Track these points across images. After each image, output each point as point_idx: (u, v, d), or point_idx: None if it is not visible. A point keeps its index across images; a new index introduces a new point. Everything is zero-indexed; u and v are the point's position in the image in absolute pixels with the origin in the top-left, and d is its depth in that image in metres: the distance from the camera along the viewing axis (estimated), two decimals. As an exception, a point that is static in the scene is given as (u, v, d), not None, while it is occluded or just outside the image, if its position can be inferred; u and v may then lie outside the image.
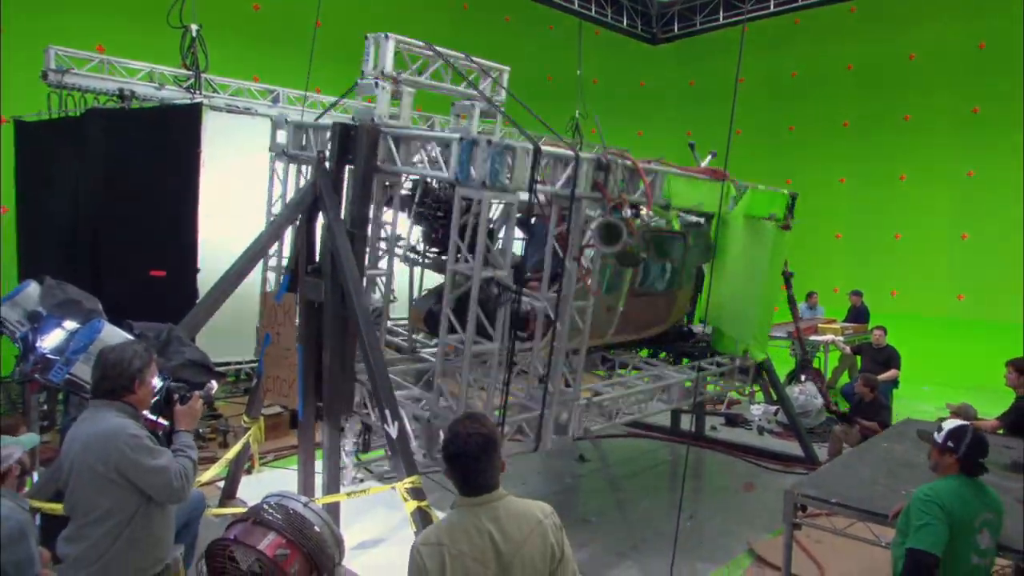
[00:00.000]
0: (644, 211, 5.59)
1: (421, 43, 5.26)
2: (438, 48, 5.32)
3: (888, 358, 9.34)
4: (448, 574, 2.26)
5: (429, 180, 5.50)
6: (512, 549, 2.32)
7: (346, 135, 4.97)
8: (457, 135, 4.45)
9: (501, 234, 5.03)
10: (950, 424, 3.44)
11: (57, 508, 3.29)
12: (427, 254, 5.86)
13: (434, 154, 4.71)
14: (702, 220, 7.49)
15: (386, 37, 5.01)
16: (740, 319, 7.04)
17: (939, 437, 3.38)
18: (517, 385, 5.33)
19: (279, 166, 6.16)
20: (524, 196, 4.46)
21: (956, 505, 3.14)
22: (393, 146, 4.90)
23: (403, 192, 5.55)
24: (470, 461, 2.36)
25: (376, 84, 5.01)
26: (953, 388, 10.69)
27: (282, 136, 6.08)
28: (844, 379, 10.70)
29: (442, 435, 3.58)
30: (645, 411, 6.35)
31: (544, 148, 4.57)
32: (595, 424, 5.72)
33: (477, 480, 2.39)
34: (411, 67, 5.38)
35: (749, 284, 6.86)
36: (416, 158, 4.87)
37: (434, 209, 5.39)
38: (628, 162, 5.26)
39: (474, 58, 5.61)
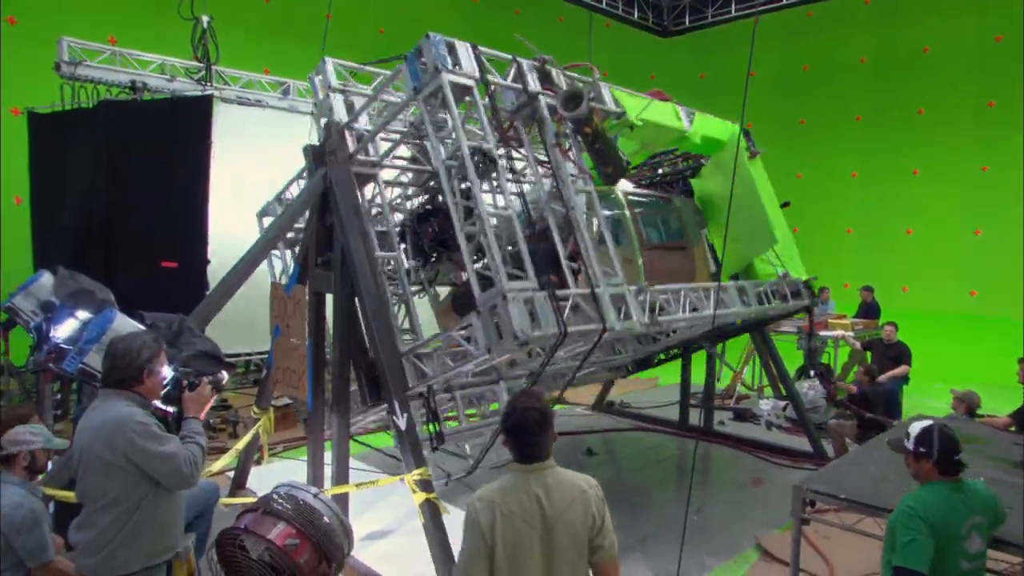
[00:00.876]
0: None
1: (355, 64, 5.80)
2: (367, 65, 5.77)
3: (899, 354, 9.27)
4: (498, 528, 2.51)
5: (411, 194, 5.80)
6: (556, 514, 2.55)
7: (319, 151, 5.23)
8: (402, 61, 4.73)
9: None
10: (916, 428, 3.27)
11: (70, 495, 3.33)
12: (429, 265, 5.89)
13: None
14: (691, 199, 7.52)
15: (324, 61, 5.56)
16: (757, 236, 6.90)
17: (910, 444, 3.24)
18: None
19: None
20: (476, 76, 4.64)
21: (941, 515, 3.02)
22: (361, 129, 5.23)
23: (396, 229, 5.73)
24: (527, 434, 2.61)
25: (328, 97, 5.43)
26: (964, 385, 10.58)
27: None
28: (853, 375, 10.64)
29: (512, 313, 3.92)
30: (702, 311, 5.75)
31: (482, 48, 4.81)
32: (663, 315, 5.21)
33: (532, 451, 2.63)
34: (373, 81, 5.84)
35: (750, 206, 6.80)
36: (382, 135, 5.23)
37: (423, 211, 5.59)
38: (568, 68, 5.36)
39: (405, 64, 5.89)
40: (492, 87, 4.74)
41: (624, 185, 6.87)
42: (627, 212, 6.32)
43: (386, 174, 5.82)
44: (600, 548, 2.63)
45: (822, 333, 10.56)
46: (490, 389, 5.76)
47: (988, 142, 14.06)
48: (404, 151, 5.78)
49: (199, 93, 8.78)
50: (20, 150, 8.44)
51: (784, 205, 7.52)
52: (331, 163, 5.09)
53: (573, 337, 4.37)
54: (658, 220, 7.01)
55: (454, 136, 4.55)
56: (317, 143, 5.38)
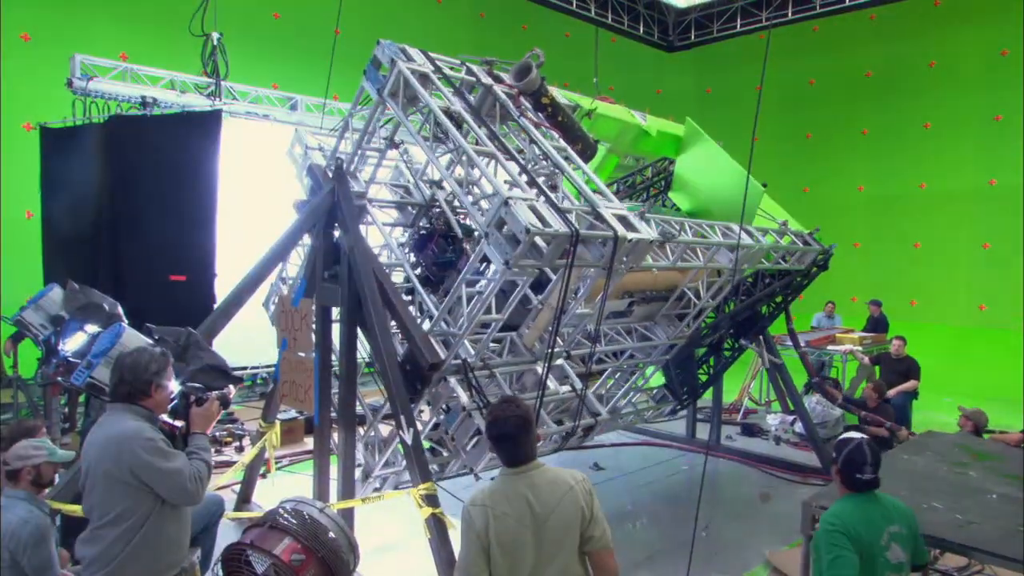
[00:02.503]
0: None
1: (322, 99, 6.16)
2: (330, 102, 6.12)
3: (907, 369, 9.21)
4: (492, 530, 2.65)
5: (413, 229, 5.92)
6: (546, 511, 2.70)
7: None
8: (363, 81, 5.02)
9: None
10: (843, 435, 3.26)
11: (77, 509, 3.33)
12: (440, 290, 5.91)
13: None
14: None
15: (296, 130, 6.04)
16: (748, 197, 6.78)
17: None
18: None
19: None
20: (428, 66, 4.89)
21: (860, 526, 3.01)
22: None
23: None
24: (511, 440, 2.77)
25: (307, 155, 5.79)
26: (975, 399, 10.48)
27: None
28: (862, 390, 10.56)
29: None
30: (714, 240, 5.68)
31: (433, 54, 5.11)
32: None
33: (517, 455, 2.79)
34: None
35: (730, 174, 6.83)
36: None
37: (420, 237, 5.70)
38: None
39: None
40: (447, 73, 5.01)
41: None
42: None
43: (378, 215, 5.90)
44: (592, 538, 2.76)
45: (830, 348, 10.51)
46: (530, 369, 5.42)
47: (995, 156, 14.03)
48: (389, 195, 6.00)
49: (208, 108, 8.86)
50: (32, 165, 8.53)
51: (763, 186, 7.51)
52: (338, 178, 5.12)
53: (586, 240, 4.17)
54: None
55: (424, 105, 4.76)
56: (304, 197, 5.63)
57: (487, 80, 5.15)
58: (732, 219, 6.30)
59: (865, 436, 3.24)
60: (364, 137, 5.40)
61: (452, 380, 4.79)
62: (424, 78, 4.83)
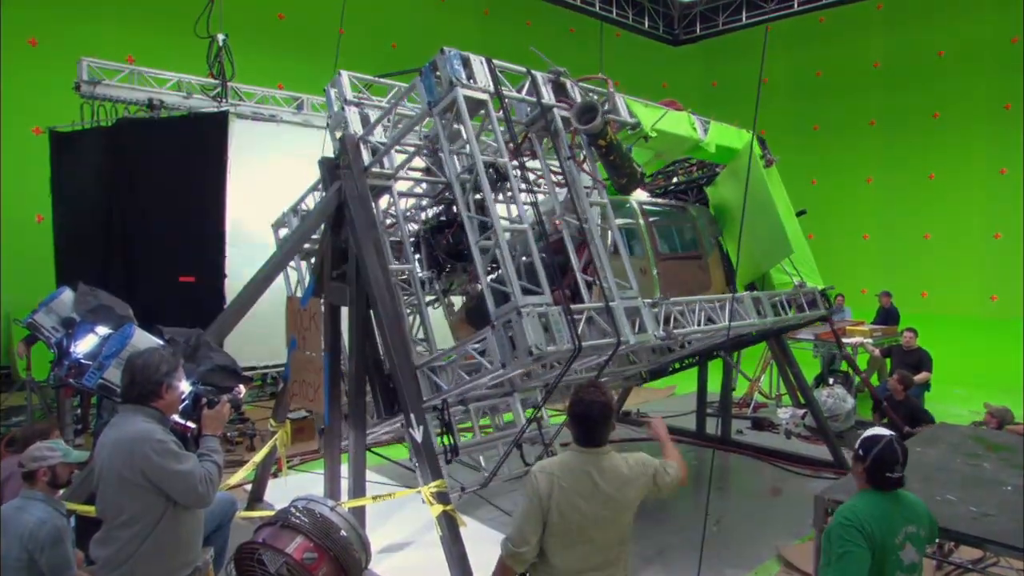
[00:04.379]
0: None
1: (371, 77, 5.78)
2: (381, 77, 5.78)
3: (919, 360, 9.15)
4: (554, 497, 2.84)
5: (426, 205, 5.87)
6: (611, 490, 2.91)
7: (334, 165, 5.25)
8: (417, 75, 4.73)
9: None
10: (870, 431, 3.19)
11: (90, 510, 3.36)
12: (444, 276, 5.92)
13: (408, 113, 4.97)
14: (706, 208, 7.50)
15: (339, 74, 5.58)
16: (774, 246, 6.79)
17: (857, 443, 3.16)
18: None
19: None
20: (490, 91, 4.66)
21: (875, 524, 2.94)
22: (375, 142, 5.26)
23: (411, 239, 5.74)
24: (591, 422, 2.95)
25: (343, 110, 5.45)
26: (987, 391, 10.43)
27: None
28: (873, 382, 10.50)
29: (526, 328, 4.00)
30: (717, 323, 5.76)
31: (497, 62, 4.80)
32: (678, 328, 5.22)
33: (592, 438, 2.96)
34: (388, 94, 5.86)
35: (765, 214, 6.72)
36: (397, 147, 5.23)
37: (438, 222, 5.62)
38: (582, 80, 5.34)
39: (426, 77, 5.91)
40: (506, 100, 4.75)
41: (639, 194, 6.85)
42: (642, 222, 6.30)
43: (400, 185, 5.85)
44: (664, 481, 3.11)
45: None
46: (504, 401, 5.79)
47: (1005, 145, 13.89)
48: (418, 162, 5.81)
49: (215, 109, 8.89)
50: (42, 169, 8.59)
51: (800, 213, 7.47)
52: (346, 176, 5.12)
53: (587, 351, 4.37)
54: (673, 230, 6.97)
55: (468, 149, 4.57)
56: (333, 156, 5.42)
57: (548, 100, 4.99)
58: (756, 250, 6.59)
59: (893, 433, 3.17)
60: (404, 134, 5.32)
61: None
62: (479, 105, 4.61)
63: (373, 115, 5.49)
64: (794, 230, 7.00)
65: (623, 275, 4.95)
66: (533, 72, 5.02)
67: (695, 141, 6.38)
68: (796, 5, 14.95)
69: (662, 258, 6.45)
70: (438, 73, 4.62)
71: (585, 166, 5.07)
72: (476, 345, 4.37)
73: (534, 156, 5.13)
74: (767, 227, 6.73)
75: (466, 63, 4.66)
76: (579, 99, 5.12)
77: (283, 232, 6.51)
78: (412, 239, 5.83)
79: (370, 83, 5.83)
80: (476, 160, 4.39)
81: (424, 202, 6.07)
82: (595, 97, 5.07)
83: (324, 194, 5.44)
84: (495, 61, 4.83)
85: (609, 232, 5.11)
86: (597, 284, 4.75)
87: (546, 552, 2.89)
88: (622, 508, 2.96)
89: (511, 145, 4.78)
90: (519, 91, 5.04)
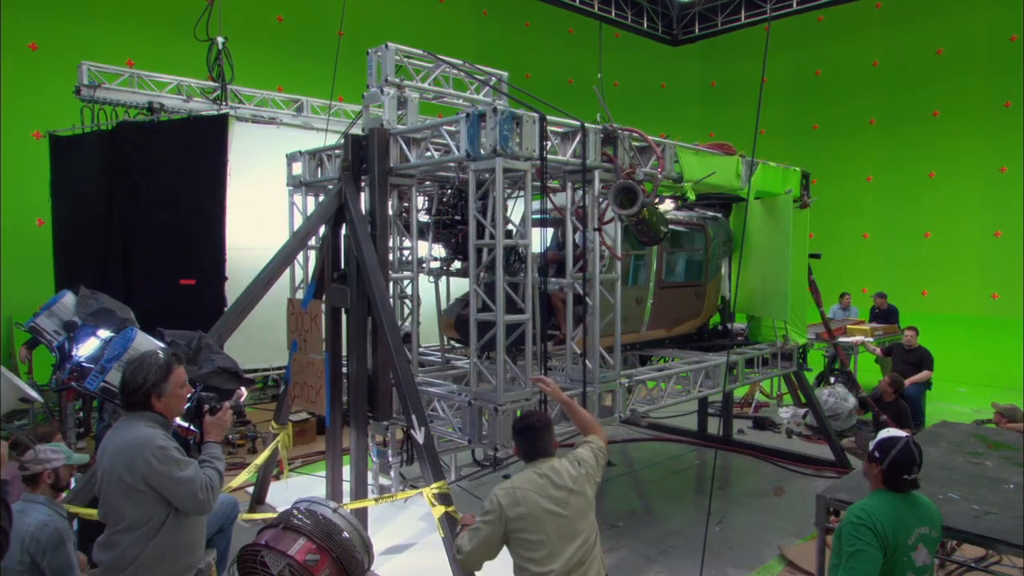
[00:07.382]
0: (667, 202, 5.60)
1: (421, 51, 5.47)
2: (437, 56, 5.50)
3: (920, 359, 9.15)
4: (520, 504, 3.11)
5: (443, 186, 5.76)
6: (566, 484, 3.21)
7: (358, 145, 5.12)
8: (464, 113, 4.51)
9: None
10: (885, 433, 3.21)
11: (93, 513, 3.36)
12: (451, 261, 5.92)
13: (445, 138, 4.78)
14: (719, 215, 7.48)
15: (386, 47, 5.25)
16: (772, 303, 6.96)
17: (871, 445, 3.17)
18: (555, 363, 5.58)
19: (298, 198, 6.30)
20: (536, 162, 4.53)
21: (888, 524, 2.94)
22: (404, 146, 5.07)
23: (421, 219, 5.67)
24: (533, 433, 3.31)
25: (381, 91, 5.24)
26: (989, 389, 10.44)
27: (298, 168, 6.24)
28: (875, 381, 10.50)
29: (487, 418, 4.48)
30: (689, 395, 6.08)
31: (550, 117, 4.63)
32: (641, 407, 5.54)
33: (538, 448, 3.30)
34: (415, 78, 5.63)
35: (776, 266, 6.77)
36: (428, 153, 5.04)
37: (451, 215, 5.53)
38: (635, 134, 5.21)
39: (473, 64, 5.83)
40: (548, 171, 4.68)
41: (666, 205, 6.87)
42: (655, 251, 6.34)
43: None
44: (601, 454, 3.49)
45: (841, 339, 10.45)
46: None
47: (1005, 142, 13.88)
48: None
49: (215, 112, 8.89)
50: (42, 173, 8.60)
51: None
52: (346, 179, 5.13)
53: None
54: (682, 258, 7.03)
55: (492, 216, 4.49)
56: (362, 132, 5.21)
57: (593, 160, 4.85)
58: (756, 294, 6.97)
59: (909, 435, 3.19)
60: (433, 167, 5.19)
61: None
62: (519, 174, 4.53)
63: (411, 99, 5.36)
64: (798, 281, 7.09)
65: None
66: (586, 126, 4.82)
67: (735, 189, 6.38)
68: (795, 4, 14.95)
69: (662, 286, 6.46)
70: (484, 123, 4.35)
71: (606, 237, 5.02)
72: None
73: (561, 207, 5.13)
74: (774, 283, 6.87)
75: (518, 121, 4.40)
76: (628, 156, 5.00)
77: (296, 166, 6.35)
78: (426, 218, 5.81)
79: (415, 56, 5.52)
80: (498, 245, 4.43)
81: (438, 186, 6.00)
82: (640, 182, 4.77)
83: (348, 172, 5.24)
84: (548, 117, 4.59)
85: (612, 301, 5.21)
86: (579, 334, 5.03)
87: (525, 564, 3.10)
88: (584, 504, 3.22)
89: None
90: (566, 136, 4.84)
